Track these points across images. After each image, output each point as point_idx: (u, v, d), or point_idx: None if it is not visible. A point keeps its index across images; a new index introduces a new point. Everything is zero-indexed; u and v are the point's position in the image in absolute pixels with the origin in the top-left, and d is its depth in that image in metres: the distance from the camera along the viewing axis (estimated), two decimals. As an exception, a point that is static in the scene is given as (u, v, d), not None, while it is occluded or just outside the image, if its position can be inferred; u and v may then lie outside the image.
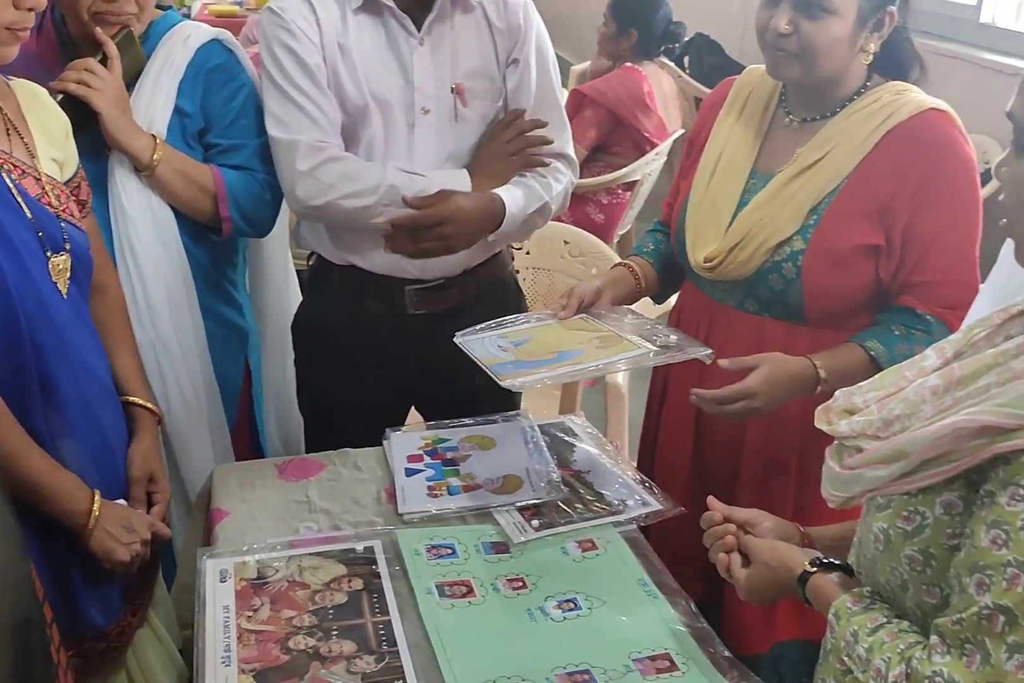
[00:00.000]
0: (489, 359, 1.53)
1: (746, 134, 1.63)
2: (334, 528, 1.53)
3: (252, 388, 2.04)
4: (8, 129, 1.38)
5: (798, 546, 1.25)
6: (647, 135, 3.55)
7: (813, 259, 1.51)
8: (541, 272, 2.64)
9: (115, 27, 1.68)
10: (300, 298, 2.21)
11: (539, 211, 1.79)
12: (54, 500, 1.38)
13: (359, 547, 1.47)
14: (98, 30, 1.66)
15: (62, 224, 1.39)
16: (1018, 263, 0.98)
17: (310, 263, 1.91)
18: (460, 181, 1.70)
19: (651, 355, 1.51)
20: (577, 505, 1.55)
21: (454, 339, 1.60)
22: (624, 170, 3.53)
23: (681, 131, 3.69)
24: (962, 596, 0.89)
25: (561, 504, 1.55)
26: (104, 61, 1.66)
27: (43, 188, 1.39)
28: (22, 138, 1.40)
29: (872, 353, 1.50)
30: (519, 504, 1.55)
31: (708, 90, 4.66)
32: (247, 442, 2.07)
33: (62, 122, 1.49)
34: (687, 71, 4.92)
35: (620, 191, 3.64)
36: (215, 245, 1.84)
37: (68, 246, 1.40)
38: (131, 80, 1.71)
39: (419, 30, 1.70)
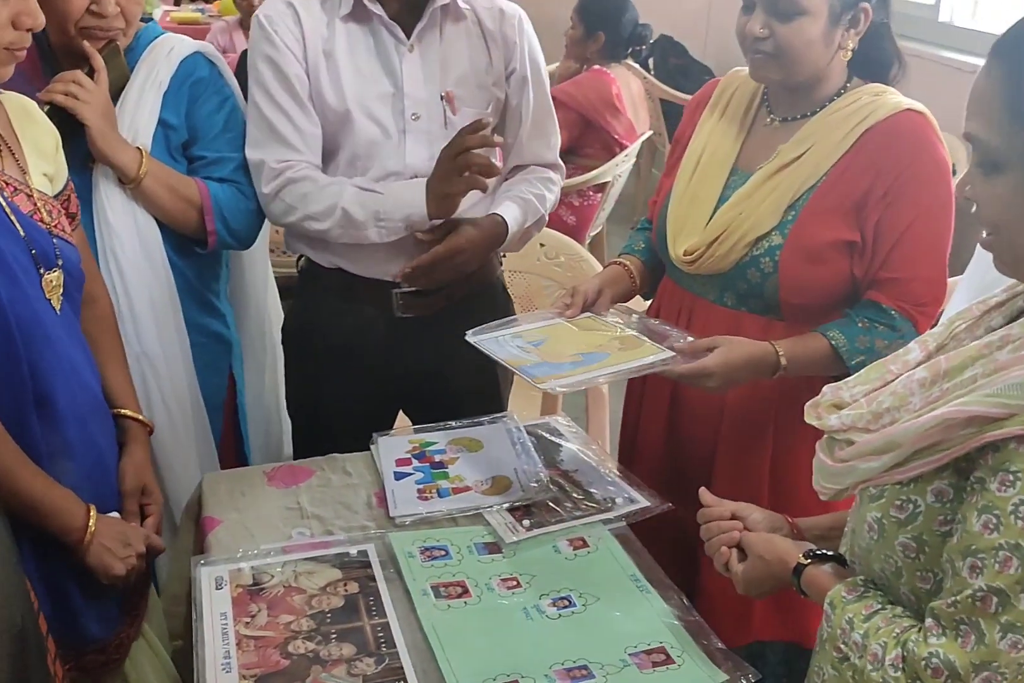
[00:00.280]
0: (514, 360, 1.55)
1: (728, 132, 1.67)
2: (327, 533, 1.54)
3: (236, 397, 2.05)
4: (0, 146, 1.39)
5: (789, 537, 1.28)
6: (617, 137, 3.59)
7: (790, 254, 1.54)
8: (518, 275, 2.66)
9: (102, 41, 1.68)
10: (279, 306, 2.23)
11: (536, 223, 1.85)
12: (50, 517, 1.38)
13: (353, 551, 1.48)
14: (86, 44, 1.65)
15: (54, 240, 1.40)
16: (998, 271, 1.01)
17: (299, 266, 1.92)
18: (415, 197, 1.69)
19: (680, 358, 1.53)
20: (567, 504, 1.58)
21: (467, 338, 1.61)
22: (595, 172, 3.57)
23: (650, 132, 3.73)
24: (956, 579, 0.92)
25: (551, 503, 1.57)
26: (90, 73, 1.66)
27: (35, 204, 1.39)
28: (13, 154, 1.40)
29: (833, 343, 1.53)
30: (509, 505, 1.57)
31: (673, 91, 4.76)
32: (232, 451, 2.07)
33: (52, 135, 1.50)
34: (651, 72, 4.97)
35: (591, 193, 3.67)
36: (199, 257, 1.84)
37: (60, 262, 1.40)
38: (115, 93, 1.71)
39: (408, 37, 1.71)
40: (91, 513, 1.42)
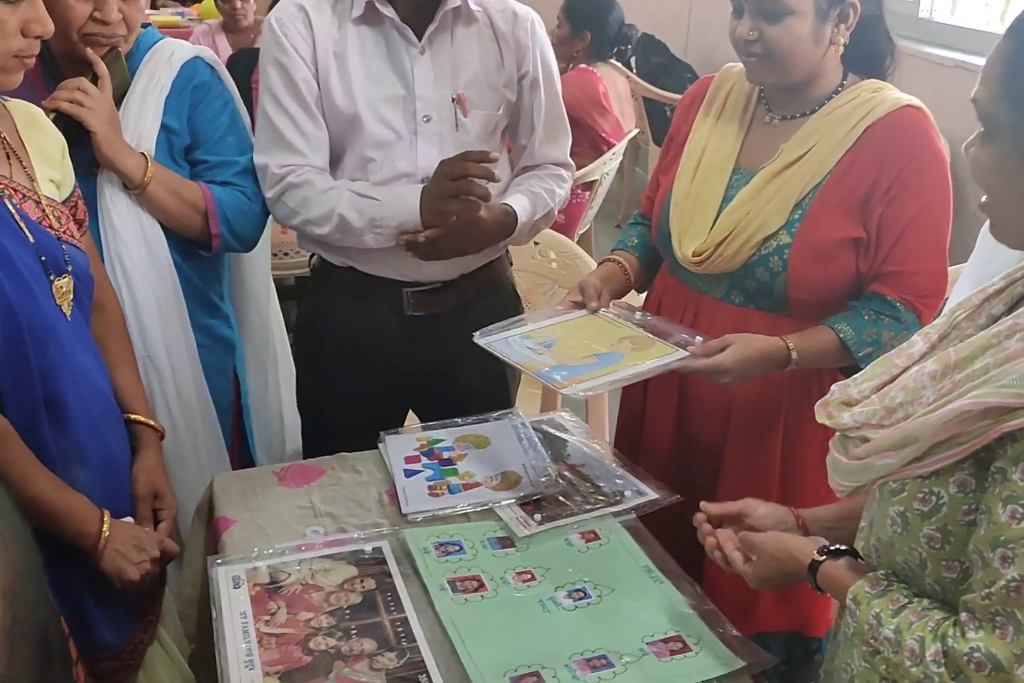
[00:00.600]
0: (530, 363, 1.56)
1: (728, 131, 1.68)
2: (340, 531, 1.55)
3: (240, 399, 2.06)
4: (8, 153, 1.39)
5: (795, 530, 1.30)
6: (604, 135, 3.61)
7: (799, 253, 1.57)
8: (513, 273, 2.67)
9: (105, 48, 1.68)
10: (279, 308, 2.24)
11: (545, 217, 1.86)
12: (64, 522, 1.38)
13: (367, 548, 1.50)
14: (89, 51, 1.66)
15: (63, 246, 1.41)
16: (993, 237, 1.04)
17: (311, 264, 1.93)
18: (411, 205, 1.69)
19: (692, 357, 1.55)
20: (576, 497, 1.60)
21: (475, 340, 1.62)
22: (583, 170, 3.59)
23: (636, 131, 3.75)
24: (987, 570, 0.93)
25: (561, 497, 1.59)
26: (93, 80, 1.67)
27: (43, 211, 1.40)
28: (21, 161, 1.41)
29: (841, 335, 1.56)
30: (519, 499, 1.59)
31: (657, 89, 4.78)
32: (237, 453, 2.08)
33: (58, 142, 1.50)
34: (634, 71, 5.00)
35: (579, 191, 3.69)
36: (202, 259, 1.86)
37: (70, 268, 1.41)
38: (117, 98, 1.72)
39: (420, 40, 1.72)
40: (105, 518, 1.43)
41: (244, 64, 3.28)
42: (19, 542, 1.08)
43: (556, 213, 1.90)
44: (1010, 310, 1.06)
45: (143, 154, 1.71)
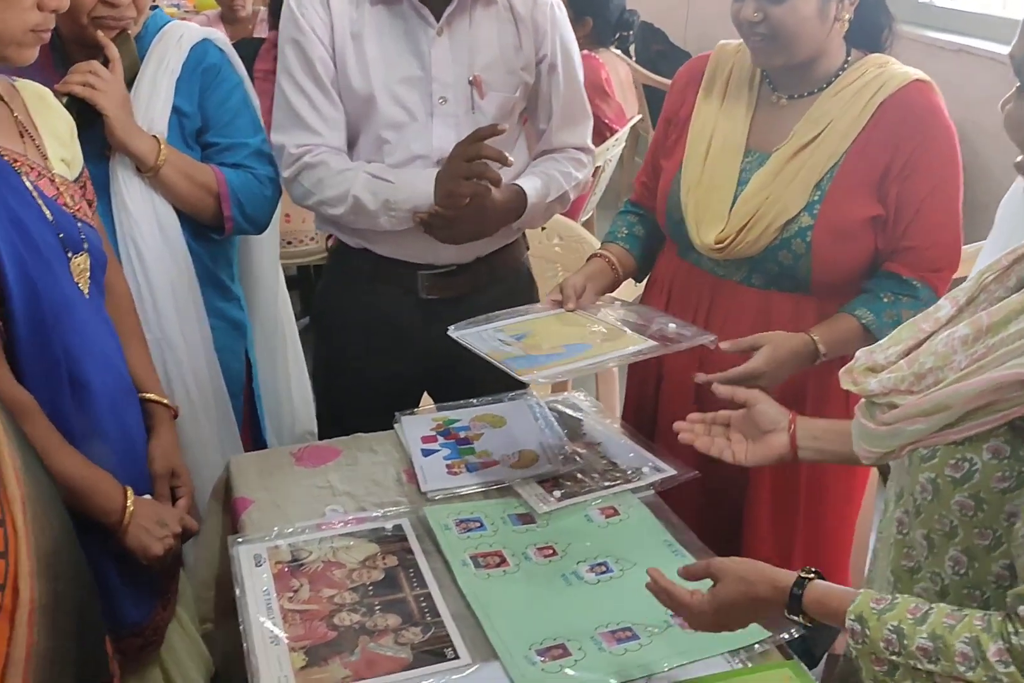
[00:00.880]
0: (497, 354, 1.56)
1: (735, 113, 1.66)
2: (360, 509, 1.56)
3: (252, 382, 2.06)
4: (21, 131, 1.39)
5: (785, 432, 1.30)
6: (607, 121, 3.60)
7: (822, 234, 1.56)
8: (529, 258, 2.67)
9: (115, 30, 1.68)
10: (287, 292, 2.24)
11: (559, 199, 1.85)
12: (89, 498, 1.38)
13: (388, 526, 1.50)
14: (99, 33, 1.66)
15: (79, 224, 1.41)
16: None
17: (328, 246, 1.93)
18: (425, 188, 1.68)
19: (662, 346, 1.55)
20: (594, 474, 1.60)
21: (449, 333, 1.62)
22: (586, 157, 3.58)
23: (639, 117, 3.75)
24: None
25: (579, 475, 1.60)
26: (104, 63, 1.67)
27: (58, 189, 1.40)
28: (33, 140, 1.41)
29: (863, 321, 1.56)
30: (538, 477, 1.59)
31: (656, 77, 4.77)
32: (249, 435, 2.08)
33: (67, 121, 1.50)
34: (633, 59, 4.99)
35: (582, 178, 3.68)
36: (214, 243, 1.86)
37: (86, 246, 1.41)
38: (127, 81, 1.72)
39: (438, 21, 1.72)
40: (128, 494, 1.43)
41: (243, 54, 3.27)
42: (57, 514, 1.08)
43: (572, 196, 1.88)
44: None
45: (155, 137, 1.71)
